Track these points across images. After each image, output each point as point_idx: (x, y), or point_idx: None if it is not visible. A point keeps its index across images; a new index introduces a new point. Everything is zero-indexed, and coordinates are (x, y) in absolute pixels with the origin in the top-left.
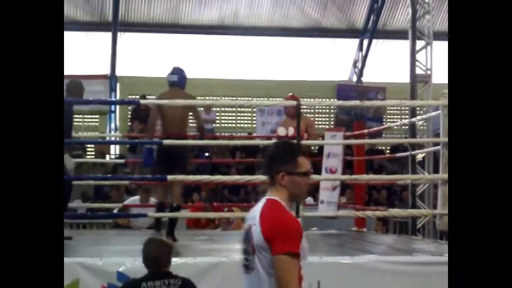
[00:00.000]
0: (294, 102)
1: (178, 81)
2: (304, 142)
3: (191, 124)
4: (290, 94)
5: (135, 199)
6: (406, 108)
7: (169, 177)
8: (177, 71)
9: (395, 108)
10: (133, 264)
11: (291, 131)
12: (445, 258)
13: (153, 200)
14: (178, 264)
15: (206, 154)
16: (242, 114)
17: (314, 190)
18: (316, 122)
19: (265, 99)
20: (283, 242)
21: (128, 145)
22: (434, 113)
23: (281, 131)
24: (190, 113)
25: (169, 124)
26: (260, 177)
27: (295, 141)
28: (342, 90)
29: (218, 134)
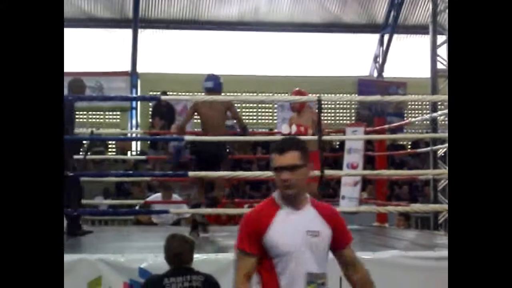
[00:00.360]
0: (314, 97)
1: (213, 87)
2: (325, 138)
3: None
4: (297, 89)
5: (157, 196)
6: (427, 103)
7: (191, 173)
8: (212, 78)
9: (416, 103)
10: (155, 260)
11: (294, 128)
12: None
13: (175, 197)
14: (200, 260)
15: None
16: (263, 110)
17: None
18: (337, 118)
19: (286, 95)
20: (237, 237)
21: (149, 142)
22: None
23: (285, 129)
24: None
25: (208, 128)
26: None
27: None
28: (363, 85)
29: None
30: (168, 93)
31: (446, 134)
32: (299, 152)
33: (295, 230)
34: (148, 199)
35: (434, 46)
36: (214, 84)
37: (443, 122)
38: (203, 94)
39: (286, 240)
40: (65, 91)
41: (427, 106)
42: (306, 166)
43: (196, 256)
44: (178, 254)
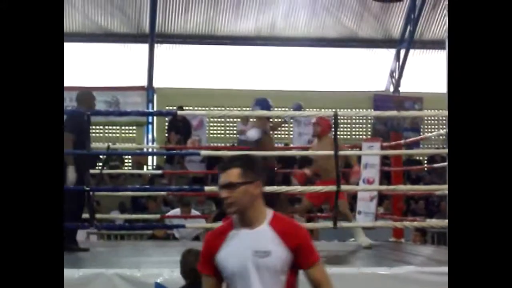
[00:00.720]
0: (330, 112)
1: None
2: (341, 153)
3: None
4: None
5: (176, 211)
6: (444, 118)
7: (207, 188)
8: (259, 102)
9: (433, 118)
10: (171, 275)
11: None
12: None
13: (194, 212)
14: None
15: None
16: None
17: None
18: (353, 133)
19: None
20: None
21: (165, 156)
22: None
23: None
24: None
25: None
26: (297, 188)
27: None
28: (379, 100)
29: None
30: (184, 108)
31: None
32: (241, 169)
33: (241, 250)
34: (167, 214)
35: None
36: (262, 108)
37: None
38: (219, 109)
39: (232, 261)
40: (75, 104)
41: (444, 121)
42: (251, 183)
43: None
44: (194, 269)
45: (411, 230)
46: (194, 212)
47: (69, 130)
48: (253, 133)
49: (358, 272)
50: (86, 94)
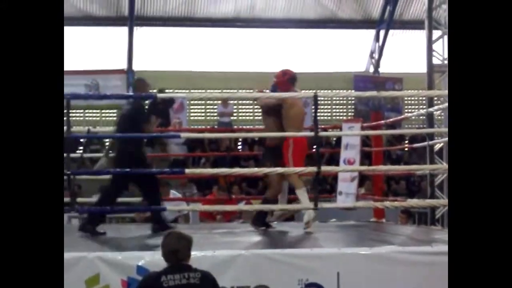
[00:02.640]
0: (310, 93)
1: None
2: (322, 134)
3: None
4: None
5: None
6: (424, 98)
7: (187, 170)
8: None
9: (413, 98)
10: (153, 257)
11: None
12: None
13: (174, 193)
14: (197, 257)
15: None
16: (259, 107)
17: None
18: (333, 114)
19: None
20: None
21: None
22: None
23: None
24: None
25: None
26: (278, 169)
27: None
28: (359, 81)
29: (236, 127)
30: (165, 90)
31: (442, 129)
32: None
33: None
34: None
35: (430, 41)
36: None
37: (439, 117)
38: (199, 91)
39: None
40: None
41: (424, 101)
42: None
43: (193, 253)
44: (175, 251)
45: (394, 211)
46: (175, 194)
47: None
48: None
49: (339, 252)
50: (141, 81)
